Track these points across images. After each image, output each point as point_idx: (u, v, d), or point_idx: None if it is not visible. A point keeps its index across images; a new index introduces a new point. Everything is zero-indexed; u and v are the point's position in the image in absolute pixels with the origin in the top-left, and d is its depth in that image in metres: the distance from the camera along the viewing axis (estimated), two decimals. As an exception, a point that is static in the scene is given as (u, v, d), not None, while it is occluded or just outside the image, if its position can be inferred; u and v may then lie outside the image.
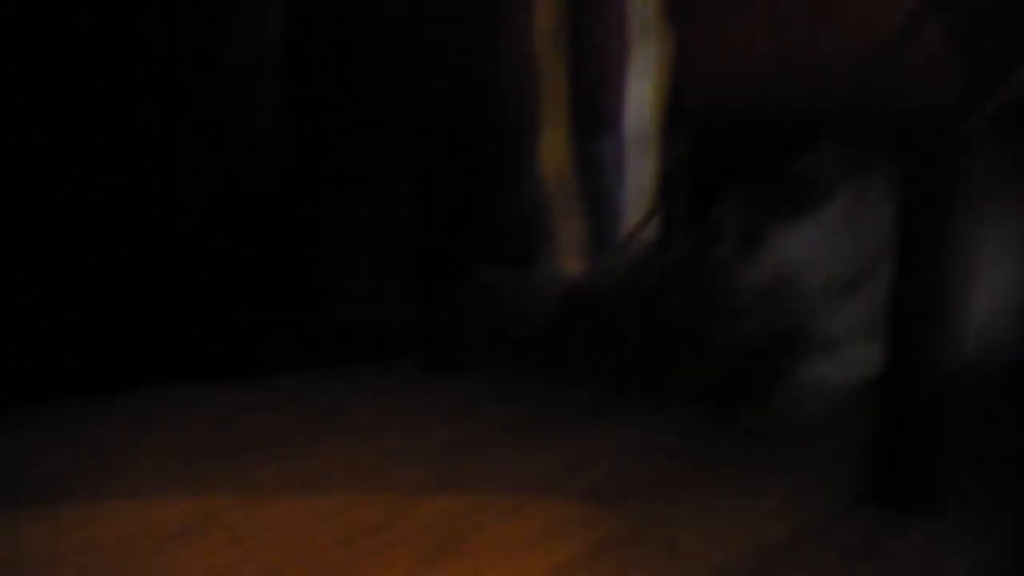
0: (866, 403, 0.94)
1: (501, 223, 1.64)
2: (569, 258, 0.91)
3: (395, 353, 1.14)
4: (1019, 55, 0.71)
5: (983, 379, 0.97)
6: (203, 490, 0.72)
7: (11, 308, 0.94)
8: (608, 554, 0.64)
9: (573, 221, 0.89)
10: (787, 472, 0.80)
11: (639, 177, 0.82)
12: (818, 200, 1.02)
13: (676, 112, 0.79)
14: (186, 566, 0.60)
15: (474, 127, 1.04)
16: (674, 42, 0.77)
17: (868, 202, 1.02)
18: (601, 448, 0.84)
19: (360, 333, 1.13)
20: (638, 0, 0.77)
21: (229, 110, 1.09)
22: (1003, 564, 0.64)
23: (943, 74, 0.67)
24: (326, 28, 1.19)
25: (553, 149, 0.87)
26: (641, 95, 0.80)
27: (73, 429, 0.86)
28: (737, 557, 0.64)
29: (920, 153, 0.70)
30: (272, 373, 1.05)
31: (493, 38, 0.91)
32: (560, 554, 0.63)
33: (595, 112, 0.85)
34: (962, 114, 0.69)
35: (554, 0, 0.82)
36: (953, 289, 0.71)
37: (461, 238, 1.07)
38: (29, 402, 0.92)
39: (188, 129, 1.05)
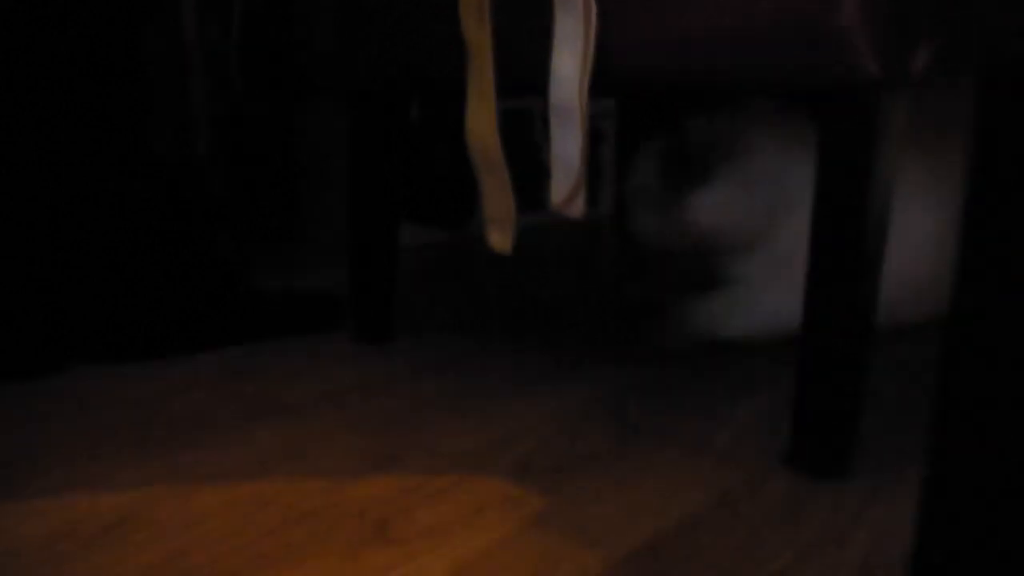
0: (782, 361, 0.97)
1: (428, 189, 1.63)
2: (495, 227, 0.90)
3: (324, 324, 1.13)
4: (940, 26, 0.72)
5: (898, 333, 1.01)
6: (129, 483, 0.72)
7: None
8: (535, 533, 0.65)
9: (499, 190, 0.88)
10: (710, 439, 0.82)
11: (566, 146, 0.81)
12: (718, 160, 1.03)
13: (599, 80, 0.78)
14: (111, 568, 0.60)
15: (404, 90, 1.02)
16: (597, 10, 0.76)
17: (767, 158, 1.04)
18: (530, 420, 0.86)
19: (287, 304, 1.12)
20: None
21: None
22: (908, 528, 0.67)
23: (863, 45, 0.67)
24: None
25: (478, 119, 0.86)
26: (565, 64, 0.78)
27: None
28: (662, 531, 0.66)
29: (839, 122, 0.71)
30: (195, 351, 1.04)
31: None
32: (487, 536, 0.65)
33: (520, 82, 0.84)
34: (881, 85, 0.69)
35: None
36: (873, 243, 0.72)
37: (388, 202, 1.05)
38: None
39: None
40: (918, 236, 1.01)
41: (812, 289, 0.73)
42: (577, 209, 0.83)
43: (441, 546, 0.64)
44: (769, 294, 1.05)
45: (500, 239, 0.89)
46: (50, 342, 0.97)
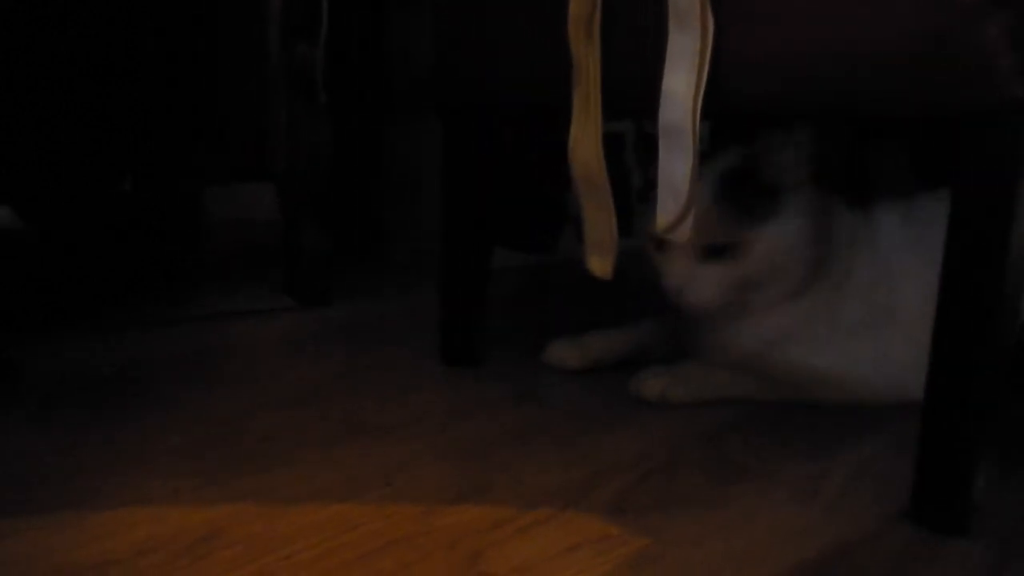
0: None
1: (516, 212, 1.60)
2: (595, 251, 0.87)
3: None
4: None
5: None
6: (218, 499, 0.70)
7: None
8: (634, 577, 0.62)
9: (601, 214, 0.85)
10: (818, 483, 0.77)
11: (674, 169, 0.78)
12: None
13: (712, 102, 0.74)
14: (202, 586, 0.59)
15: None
16: (715, 30, 0.72)
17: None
18: (625, 454, 0.82)
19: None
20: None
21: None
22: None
23: (1006, 66, 0.63)
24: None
25: (582, 140, 0.83)
26: (678, 83, 0.75)
27: (74, 428, 0.84)
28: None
29: (978, 150, 0.66)
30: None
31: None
32: (584, 576, 0.61)
33: (627, 102, 0.81)
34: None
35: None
36: (1013, 281, 0.66)
37: (482, 224, 1.03)
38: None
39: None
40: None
41: (943, 331, 0.68)
42: (683, 234, 0.79)
43: (537, 584, 0.60)
44: None
45: (600, 264, 0.86)
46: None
